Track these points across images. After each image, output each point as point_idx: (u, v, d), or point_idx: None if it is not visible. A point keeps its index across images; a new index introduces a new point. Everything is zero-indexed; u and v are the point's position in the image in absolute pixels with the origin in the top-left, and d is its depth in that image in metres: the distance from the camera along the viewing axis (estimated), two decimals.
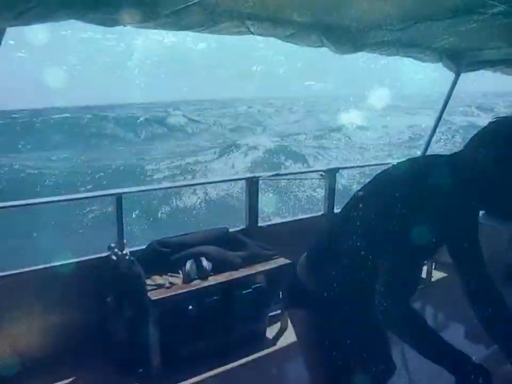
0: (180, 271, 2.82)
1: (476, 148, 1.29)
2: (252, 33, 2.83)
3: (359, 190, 1.55)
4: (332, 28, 3.10)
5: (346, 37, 3.19)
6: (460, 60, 4.17)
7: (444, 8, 2.71)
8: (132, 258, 2.67)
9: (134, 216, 9.86)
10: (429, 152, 4.60)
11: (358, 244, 1.41)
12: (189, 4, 2.29)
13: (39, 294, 2.64)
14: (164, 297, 2.62)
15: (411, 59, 3.88)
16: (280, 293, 3.14)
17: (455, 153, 1.39)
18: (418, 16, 2.89)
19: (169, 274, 2.82)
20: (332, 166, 3.88)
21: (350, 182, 11.35)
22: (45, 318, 2.67)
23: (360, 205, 1.45)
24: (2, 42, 1.86)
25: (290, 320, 1.66)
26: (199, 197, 11.50)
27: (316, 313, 1.51)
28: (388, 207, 1.31)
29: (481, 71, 4.48)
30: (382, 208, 1.33)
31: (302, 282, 1.56)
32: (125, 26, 2.44)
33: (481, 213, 4.85)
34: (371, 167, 5.25)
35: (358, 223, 1.43)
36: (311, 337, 1.56)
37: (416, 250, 1.28)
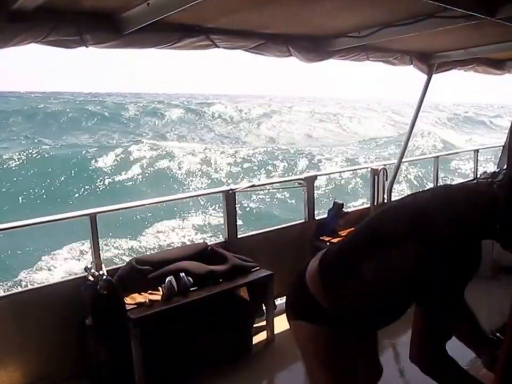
0: (160, 288, 2.83)
1: None
2: (217, 46, 2.89)
3: (383, 212, 1.52)
4: (298, 38, 3.19)
5: (313, 45, 3.27)
6: (430, 62, 4.28)
7: (407, 13, 2.81)
8: (109, 278, 2.67)
9: None
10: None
11: (390, 279, 1.36)
12: (152, 21, 2.34)
13: (16, 318, 2.63)
14: (144, 316, 2.62)
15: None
16: (263, 305, 3.16)
17: (497, 185, 1.33)
18: (383, 22, 2.98)
19: (149, 292, 2.83)
20: (309, 174, 3.92)
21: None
22: (24, 341, 2.66)
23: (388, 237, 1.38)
24: None
25: (294, 331, 1.59)
26: None
27: (330, 331, 1.45)
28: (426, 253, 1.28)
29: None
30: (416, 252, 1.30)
31: (313, 297, 1.47)
32: (86, 47, 2.48)
33: None
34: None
35: (387, 259, 1.36)
36: (321, 352, 1.51)
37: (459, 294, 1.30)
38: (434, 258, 1.26)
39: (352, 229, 1.61)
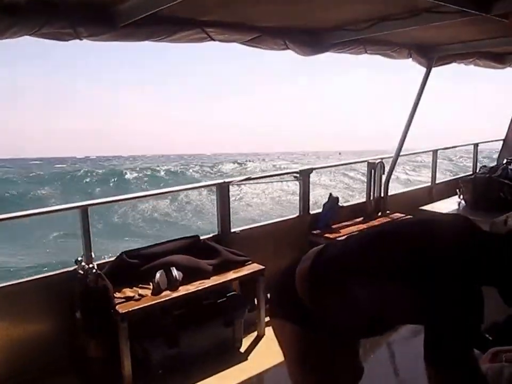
0: (150, 282, 2.87)
1: None
2: (213, 39, 2.89)
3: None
4: (295, 31, 3.19)
5: (310, 39, 3.27)
6: (430, 55, 4.28)
7: (402, 7, 2.81)
8: (98, 272, 2.71)
9: None
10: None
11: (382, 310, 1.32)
12: (147, 14, 2.33)
13: (5, 311, 2.66)
14: (133, 310, 2.66)
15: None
16: (255, 299, 3.20)
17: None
18: (379, 15, 2.99)
19: (139, 286, 2.88)
20: (304, 167, 3.93)
21: None
22: (13, 335, 2.70)
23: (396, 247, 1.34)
24: None
25: (276, 331, 1.55)
26: None
27: (312, 333, 1.43)
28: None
29: None
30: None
31: (299, 298, 1.44)
32: (80, 40, 2.48)
33: (462, 207, 4.84)
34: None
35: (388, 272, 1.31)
36: (302, 355, 1.49)
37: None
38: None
39: (356, 232, 1.55)
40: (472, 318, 1.20)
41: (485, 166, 5.51)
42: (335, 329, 1.41)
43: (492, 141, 7.07)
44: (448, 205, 4.55)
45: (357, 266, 1.39)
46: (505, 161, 5.01)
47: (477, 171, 5.88)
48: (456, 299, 1.19)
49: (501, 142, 6.69)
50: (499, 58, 4.76)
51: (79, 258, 2.78)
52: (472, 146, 6.43)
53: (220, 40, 2.95)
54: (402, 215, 4.45)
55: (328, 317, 1.41)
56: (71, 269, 2.80)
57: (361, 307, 1.33)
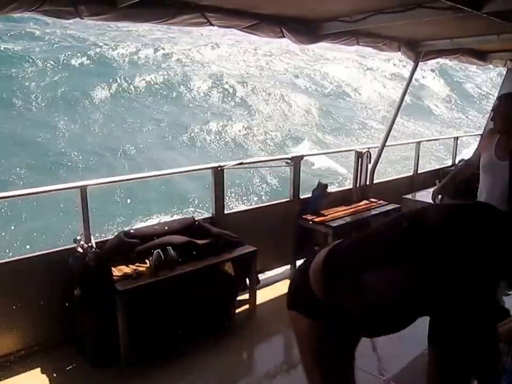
0: (147, 261, 2.91)
1: None
2: (212, 24, 2.91)
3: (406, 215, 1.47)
4: (292, 20, 3.23)
5: (305, 28, 3.33)
6: (418, 49, 4.38)
7: (397, 1, 2.88)
8: (97, 250, 2.74)
9: None
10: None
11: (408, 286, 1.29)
12: None
13: (3, 286, 2.67)
14: (130, 288, 2.70)
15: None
16: (247, 279, 3.29)
17: None
18: (374, 8, 3.05)
19: (136, 264, 2.92)
20: (295, 154, 4.02)
21: None
22: (12, 310, 2.71)
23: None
24: None
25: (292, 322, 1.55)
26: None
27: (323, 327, 1.43)
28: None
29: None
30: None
31: (312, 290, 1.44)
32: (81, 18, 2.47)
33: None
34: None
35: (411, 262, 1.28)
36: (313, 347, 1.49)
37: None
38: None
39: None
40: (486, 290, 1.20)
41: (463, 159, 5.69)
42: (345, 322, 1.42)
43: (471, 135, 7.27)
44: (428, 194, 4.70)
45: (368, 255, 1.40)
46: None
47: (456, 163, 6.09)
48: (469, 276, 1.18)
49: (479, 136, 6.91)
50: (482, 56, 4.92)
51: (78, 237, 2.81)
52: (453, 139, 6.64)
53: (219, 26, 2.97)
54: (386, 202, 4.60)
55: (339, 309, 1.41)
56: (70, 246, 2.83)
57: (372, 297, 1.34)
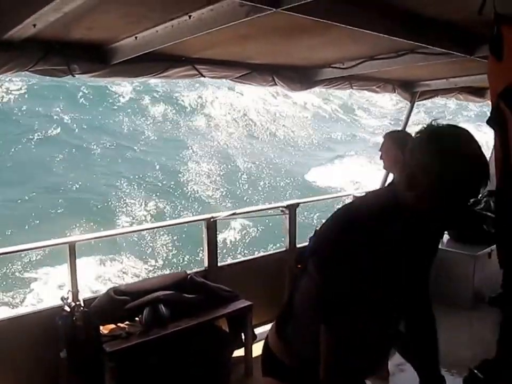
0: (137, 319, 2.80)
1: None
2: (203, 76, 2.93)
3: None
4: (283, 68, 3.26)
5: (298, 75, 3.34)
6: (413, 90, 4.40)
7: (388, 48, 2.90)
8: (85, 309, 2.64)
9: None
10: None
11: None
12: (139, 54, 2.36)
13: None
14: (120, 349, 2.59)
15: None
16: (243, 335, 3.16)
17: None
18: (366, 55, 3.07)
19: (126, 323, 2.80)
20: (291, 202, 3.93)
21: None
22: None
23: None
24: None
25: None
26: None
27: None
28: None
29: None
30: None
31: (271, 349, 1.47)
32: (73, 76, 2.50)
33: (446, 240, 4.91)
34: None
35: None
36: None
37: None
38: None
39: None
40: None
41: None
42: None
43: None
44: None
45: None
46: (486, 192, 5.06)
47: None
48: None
49: None
50: (480, 93, 4.90)
51: (65, 295, 2.72)
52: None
53: (210, 77, 3.01)
54: None
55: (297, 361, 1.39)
56: (57, 305, 2.73)
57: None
